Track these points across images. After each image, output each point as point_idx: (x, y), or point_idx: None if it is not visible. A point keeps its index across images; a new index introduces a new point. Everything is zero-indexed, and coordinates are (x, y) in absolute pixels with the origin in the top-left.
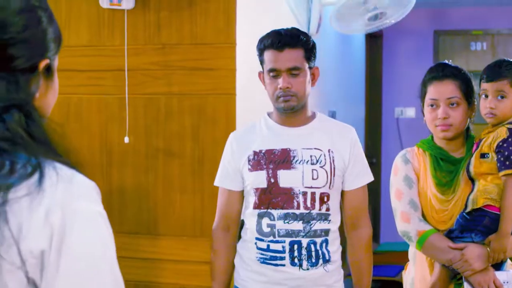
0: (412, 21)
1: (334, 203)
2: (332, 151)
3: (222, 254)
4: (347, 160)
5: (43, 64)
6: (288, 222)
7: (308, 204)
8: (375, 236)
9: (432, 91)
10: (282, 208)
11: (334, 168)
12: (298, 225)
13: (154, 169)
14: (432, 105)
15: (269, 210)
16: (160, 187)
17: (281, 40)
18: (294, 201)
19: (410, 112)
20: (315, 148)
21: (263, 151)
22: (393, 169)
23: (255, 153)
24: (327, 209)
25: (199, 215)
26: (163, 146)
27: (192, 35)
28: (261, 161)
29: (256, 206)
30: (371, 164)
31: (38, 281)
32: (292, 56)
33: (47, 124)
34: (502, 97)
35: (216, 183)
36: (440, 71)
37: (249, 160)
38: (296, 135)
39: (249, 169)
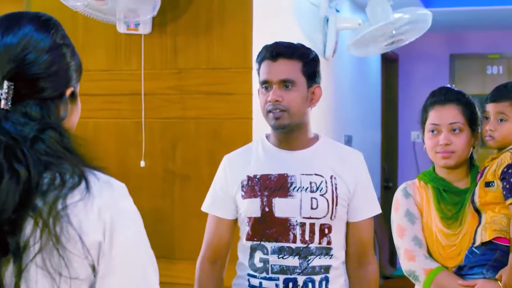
0: (428, 45)
1: (337, 236)
2: (334, 178)
3: None
4: (352, 188)
5: (68, 91)
6: (282, 257)
7: (306, 237)
8: (392, 260)
9: (433, 115)
10: (276, 241)
11: (336, 197)
12: (293, 261)
13: (170, 193)
14: (433, 131)
15: (262, 243)
16: (176, 211)
17: (275, 49)
18: (290, 233)
19: None
20: (315, 174)
21: (257, 176)
22: (394, 205)
23: (249, 178)
24: (329, 243)
25: None
26: (179, 170)
27: (209, 60)
28: (255, 187)
29: (249, 238)
30: (387, 188)
31: (97, 267)
32: (285, 67)
33: (74, 139)
34: (502, 120)
35: (204, 209)
36: (443, 95)
37: (242, 186)
38: (295, 159)
39: (242, 196)
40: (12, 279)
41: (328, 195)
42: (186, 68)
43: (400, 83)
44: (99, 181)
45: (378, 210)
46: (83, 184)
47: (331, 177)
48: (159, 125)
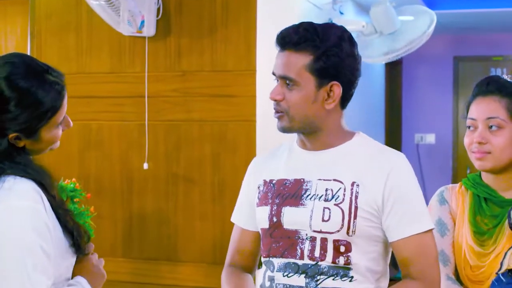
0: (432, 47)
1: (361, 257)
2: (357, 185)
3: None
4: (379, 198)
5: (11, 136)
6: (287, 276)
7: (316, 254)
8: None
9: (472, 109)
10: (282, 256)
11: (355, 208)
12: (299, 280)
13: (174, 195)
14: (469, 127)
15: (270, 259)
16: (180, 213)
17: (284, 35)
18: (298, 248)
19: (430, 138)
20: (334, 180)
21: (274, 181)
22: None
23: (265, 183)
24: (347, 263)
25: (219, 241)
26: (183, 173)
27: (213, 62)
28: (269, 194)
29: (262, 252)
30: None
31: None
32: (288, 61)
33: (30, 157)
34: None
35: (231, 218)
36: (485, 85)
37: (259, 192)
38: (315, 162)
39: (257, 203)
40: None
41: (344, 205)
42: (190, 71)
43: (403, 86)
44: (6, 184)
45: (428, 225)
46: None
47: (352, 184)
48: (163, 128)
